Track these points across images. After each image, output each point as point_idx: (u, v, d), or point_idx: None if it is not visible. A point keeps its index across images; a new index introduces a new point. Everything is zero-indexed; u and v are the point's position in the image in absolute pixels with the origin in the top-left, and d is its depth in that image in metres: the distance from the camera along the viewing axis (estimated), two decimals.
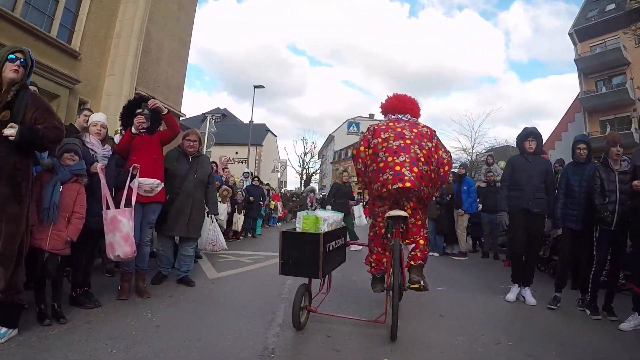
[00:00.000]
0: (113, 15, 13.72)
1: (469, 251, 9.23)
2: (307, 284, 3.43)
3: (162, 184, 4.07)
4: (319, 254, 3.07)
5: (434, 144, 3.46)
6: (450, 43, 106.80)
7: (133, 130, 3.99)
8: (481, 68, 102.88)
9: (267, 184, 16.49)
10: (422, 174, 3.22)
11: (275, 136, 44.45)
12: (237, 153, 35.72)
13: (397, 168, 3.20)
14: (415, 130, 3.44)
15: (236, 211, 8.99)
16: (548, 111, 75.71)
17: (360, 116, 57.00)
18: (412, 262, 3.33)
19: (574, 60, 26.39)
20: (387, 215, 3.29)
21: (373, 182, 3.37)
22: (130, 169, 3.74)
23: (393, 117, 3.65)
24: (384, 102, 3.83)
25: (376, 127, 3.56)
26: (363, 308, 4.02)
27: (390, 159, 3.26)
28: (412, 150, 3.29)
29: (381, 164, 3.30)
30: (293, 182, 42.32)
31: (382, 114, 3.84)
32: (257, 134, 38.04)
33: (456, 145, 26.09)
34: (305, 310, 3.32)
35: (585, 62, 25.76)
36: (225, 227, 8.27)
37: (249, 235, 10.92)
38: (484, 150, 25.65)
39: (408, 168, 3.18)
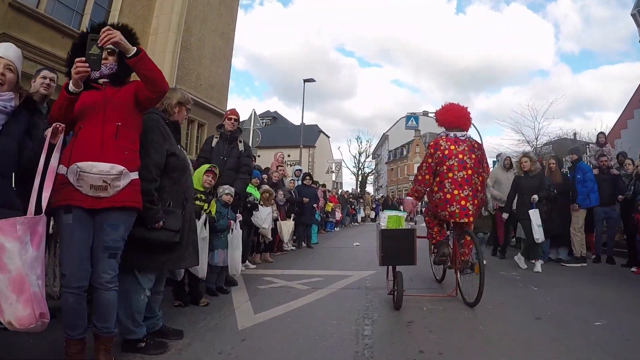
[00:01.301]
0: (149, 11, 12.77)
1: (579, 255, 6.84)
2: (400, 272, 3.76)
3: (135, 174, 2.27)
4: (414, 246, 3.73)
5: (485, 159, 4.11)
6: (499, 37, 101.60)
7: (70, 85, 2.09)
8: (532, 61, 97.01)
9: (324, 185, 14.71)
10: (480, 203, 4.03)
11: (328, 137, 42.20)
12: (289, 156, 34.53)
13: (463, 202, 3.83)
14: (473, 156, 3.93)
15: (278, 217, 7.11)
16: (602, 102, 69.35)
17: (412, 112, 54.64)
18: (463, 258, 3.97)
19: None
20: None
21: (440, 209, 3.97)
22: (47, 133, 2.04)
23: (452, 135, 4.04)
24: (439, 111, 4.26)
25: (440, 153, 3.95)
26: (435, 288, 4.66)
27: (456, 192, 3.84)
28: (473, 182, 3.89)
29: (448, 196, 3.87)
30: (348, 184, 40.08)
31: (440, 125, 4.24)
32: (309, 135, 36.68)
33: (519, 138, 22.93)
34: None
35: None
36: (270, 237, 6.60)
37: (303, 244, 9.08)
38: (548, 142, 22.87)
39: (471, 202, 3.85)
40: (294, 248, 8.50)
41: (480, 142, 4.13)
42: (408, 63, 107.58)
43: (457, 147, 3.94)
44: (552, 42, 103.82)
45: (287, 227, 7.55)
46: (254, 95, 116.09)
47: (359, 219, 18.52)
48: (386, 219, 3.94)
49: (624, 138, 20.92)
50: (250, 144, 10.42)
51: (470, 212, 3.85)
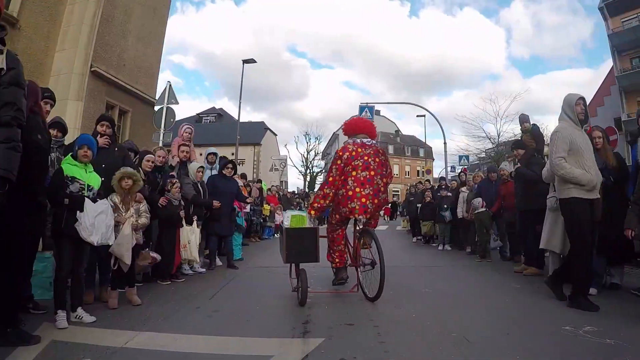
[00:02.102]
0: None
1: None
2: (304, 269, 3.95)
3: None
4: (317, 244, 3.91)
5: (388, 164, 4.42)
6: (451, 41, 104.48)
7: None
8: (483, 65, 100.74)
9: (259, 180, 12.70)
10: (380, 203, 4.24)
11: (275, 135, 40.34)
12: (232, 154, 32.75)
13: (363, 200, 4.08)
14: (377, 160, 4.26)
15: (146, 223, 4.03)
16: (550, 107, 73.09)
17: (366, 103, 54.54)
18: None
19: (608, 35, 23.61)
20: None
21: (342, 206, 4.20)
22: None
23: (358, 140, 4.32)
24: (346, 122, 4.68)
25: (347, 155, 4.20)
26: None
27: (358, 190, 4.09)
28: (375, 182, 4.16)
29: (350, 192, 4.12)
30: (296, 185, 38.42)
31: (345, 134, 4.59)
32: (254, 132, 35.08)
33: (480, 134, 23.56)
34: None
35: (620, 38, 22.91)
36: (127, 260, 3.60)
37: (218, 263, 6.00)
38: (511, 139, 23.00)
39: (371, 200, 4.11)
40: (203, 270, 5.51)
41: (383, 150, 4.56)
42: (360, 65, 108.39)
43: (363, 150, 4.23)
44: (503, 46, 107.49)
45: (189, 236, 4.98)
46: (204, 95, 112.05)
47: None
48: (289, 218, 4.23)
49: (600, 115, 22.44)
50: (162, 125, 8.70)
51: (369, 210, 4.11)
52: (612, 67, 24.96)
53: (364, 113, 15.11)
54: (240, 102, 16.63)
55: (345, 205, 4.12)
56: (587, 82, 73.76)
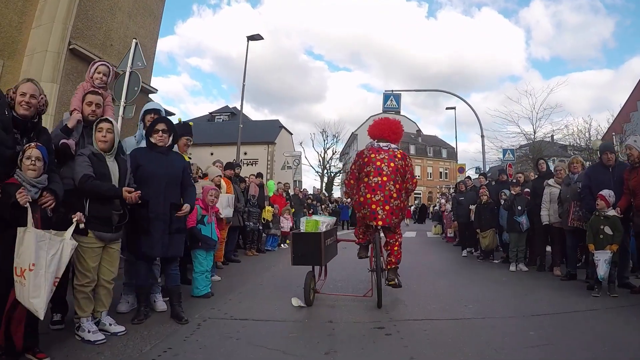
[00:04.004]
0: None
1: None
2: (312, 271, 4.29)
3: None
4: (321, 248, 4.12)
5: (409, 170, 4.27)
6: (470, 43, 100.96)
7: None
8: (502, 67, 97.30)
9: (259, 174, 9.27)
10: (392, 209, 4.04)
11: (291, 134, 37.50)
12: (245, 154, 31.12)
13: (373, 207, 4.01)
14: (392, 165, 4.11)
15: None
16: (569, 109, 70.12)
17: (384, 112, 52.12)
18: (389, 267, 4.21)
19: None
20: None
21: (357, 211, 4.42)
22: None
23: (375, 145, 4.28)
24: (371, 125, 4.48)
25: (361, 161, 4.23)
26: (354, 288, 4.80)
27: (369, 196, 4.05)
28: (387, 188, 4.04)
29: (361, 199, 4.12)
30: (312, 187, 35.70)
31: (369, 136, 4.44)
32: (268, 131, 33.46)
33: (515, 130, 21.28)
34: (312, 291, 4.16)
35: None
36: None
37: (159, 307, 3.64)
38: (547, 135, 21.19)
39: (381, 207, 4.01)
40: (121, 330, 3.03)
41: (404, 153, 4.33)
42: (378, 67, 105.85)
43: (377, 155, 4.17)
44: (523, 47, 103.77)
45: (37, 254, 2.35)
46: (222, 97, 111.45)
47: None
48: (304, 223, 4.54)
49: (629, 131, 20.82)
50: (123, 96, 6.69)
51: (379, 217, 4.01)
52: None
53: (389, 101, 13.14)
54: (243, 85, 14.50)
55: (359, 211, 4.26)
56: (606, 83, 70.62)
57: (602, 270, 4.31)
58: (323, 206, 15.72)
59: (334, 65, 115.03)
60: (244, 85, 14.83)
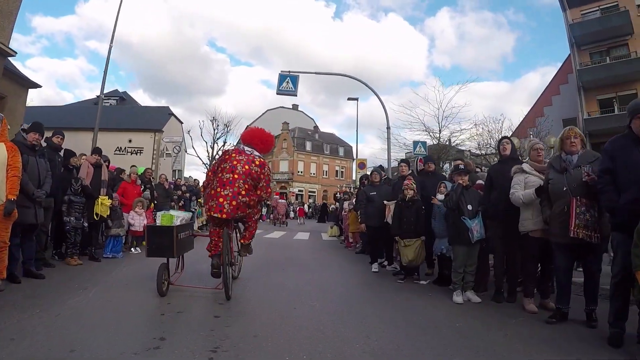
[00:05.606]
0: None
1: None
2: (166, 263, 4.47)
3: None
4: (174, 240, 4.38)
5: (265, 178, 4.56)
6: (373, 46, 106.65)
7: None
8: (404, 72, 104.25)
9: (97, 151, 6.83)
10: (239, 205, 4.32)
11: (181, 123, 34.48)
12: (130, 141, 29.12)
13: (221, 200, 4.29)
14: (247, 167, 4.43)
15: None
16: (465, 117, 76.93)
17: (282, 106, 51.70)
18: (243, 241, 4.88)
19: (569, 25, 22.70)
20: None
21: (205, 203, 4.75)
22: None
23: (241, 148, 4.68)
24: (245, 131, 5.07)
25: (223, 157, 4.59)
26: (208, 282, 4.77)
27: (219, 189, 4.33)
28: (236, 185, 4.33)
29: (212, 192, 4.41)
30: (190, 175, 28.73)
31: (241, 140, 4.95)
32: (156, 118, 31.49)
33: (420, 128, 20.45)
34: (166, 282, 4.38)
35: (583, 29, 22.06)
36: None
37: None
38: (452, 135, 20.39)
39: (228, 202, 4.28)
40: None
41: (263, 162, 4.62)
42: (280, 64, 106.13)
43: (237, 156, 4.51)
44: (425, 55, 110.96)
45: None
46: (118, 85, 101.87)
47: (195, 227, 11.02)
48: (160, 216, 4.72)
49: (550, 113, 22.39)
50: None
51: (225, 210, 4.27)
52: (561, 65, 25.48)
53: (284, 83, 12.31)
54: (111, 46, 13.16)
55: (207, 203, 4.50)
56: (503, 94, 79.26)
57: None
58: (200, 200, 13.29)
59: (235, 59, 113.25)
60: (110, 47, 13.16)
